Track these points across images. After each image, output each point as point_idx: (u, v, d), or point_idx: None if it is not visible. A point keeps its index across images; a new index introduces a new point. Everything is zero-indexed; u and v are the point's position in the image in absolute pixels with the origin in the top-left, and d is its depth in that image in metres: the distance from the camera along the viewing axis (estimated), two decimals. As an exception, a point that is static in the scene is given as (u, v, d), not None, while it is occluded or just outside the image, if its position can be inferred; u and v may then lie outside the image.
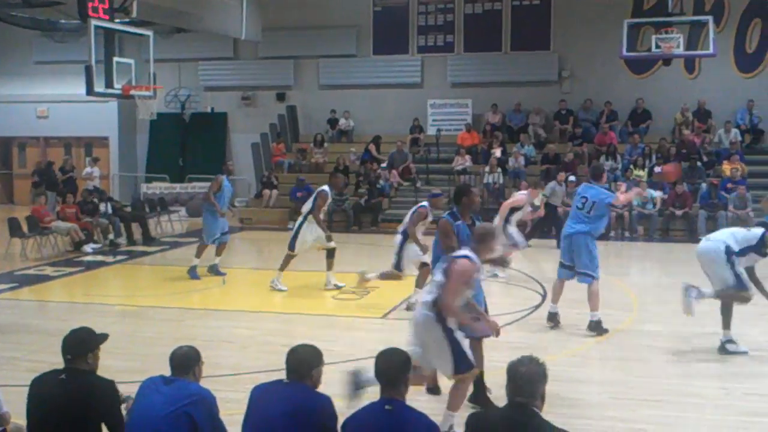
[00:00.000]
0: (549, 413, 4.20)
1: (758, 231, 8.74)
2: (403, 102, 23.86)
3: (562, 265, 9.97)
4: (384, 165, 22.18)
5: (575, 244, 9.75)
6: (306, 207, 12.36)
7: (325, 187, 12.30)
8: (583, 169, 18.69)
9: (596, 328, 9.57)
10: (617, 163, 20.41)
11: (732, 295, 8.66)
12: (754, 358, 8.58)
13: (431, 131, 23.49)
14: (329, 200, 12.53)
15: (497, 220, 12.70)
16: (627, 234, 18.51)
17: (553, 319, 9.89)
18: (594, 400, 7.32)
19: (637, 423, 6.67)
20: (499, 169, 20.78)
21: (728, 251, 8.55)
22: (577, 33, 22.57)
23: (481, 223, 7.13)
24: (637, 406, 7.06)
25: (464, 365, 6.06)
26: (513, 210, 13.05)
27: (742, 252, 8.61)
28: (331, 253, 12.28)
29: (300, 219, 12.37)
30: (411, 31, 24.30)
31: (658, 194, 19.07)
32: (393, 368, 4.38)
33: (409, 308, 10.73)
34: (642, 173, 19.76)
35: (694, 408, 7.08)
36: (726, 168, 19.56)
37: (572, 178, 17.67)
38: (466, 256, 6.05)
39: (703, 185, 19.40)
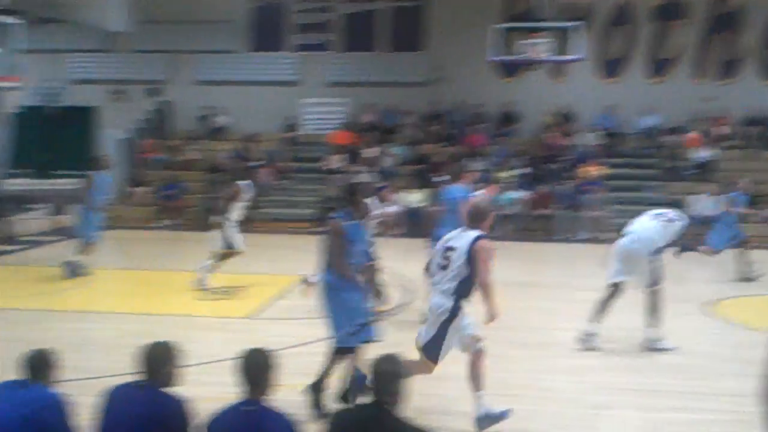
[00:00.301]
0: (409, 410, 4.32)
1: (679, 224, 9.20)
2: (279, 100, 23.79)
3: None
4: (258, 163, 22.06)
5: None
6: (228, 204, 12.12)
7: (244, 181, 12.17)
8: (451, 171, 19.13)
9: None
10: (485, 164, 20.97)
11: (657, 293, 9.16)
12: (604, 352, 9.01)
13: (307, 130, 23.54)
14: (245, 194, 12.18)
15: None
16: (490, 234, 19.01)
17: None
18: (452, 395, 7.50)
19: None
20: (373, 169, 21.02)
21: (657, 250, 9.05)
22: (451, 36, 23.08)
23: (473, 202, 7.26)
24: (494, 400, 7.28)
25: (432, 354, 6.58)
26: None
27: (666, 247, 9.17)
28: (226, 255, 12.11)
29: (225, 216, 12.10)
30: (288, 29, 24.26)
31: (520, 195, 19.77)
32: (254, 369, 4.36)
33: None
34: (509, 174, 20.39)
35: (548, 402, 7.39)
36: (587, 170, 20.44)
37: (443, 178, 18.02)
38: (481, 237, 6.57)
39: (564, 186, 20.23)
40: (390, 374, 4.24)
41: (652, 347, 9.13)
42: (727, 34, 22.93)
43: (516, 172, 20.71)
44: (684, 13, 22.98)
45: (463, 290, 6.52)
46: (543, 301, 11.93)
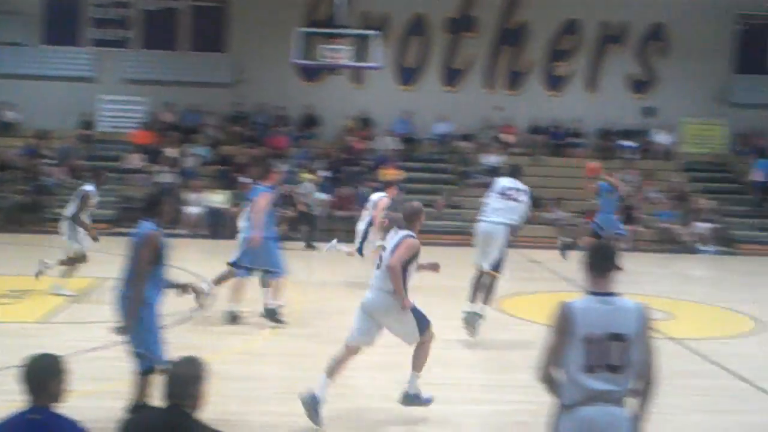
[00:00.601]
0: (213, 412, 4.38)
1: (526, 200, 9.81)
2: (74, 96, 22.91)
3: (241, 266, 10.24)
4: (51, 161, 21.16)
5: (253, 245, 10.09)
6: (70, 210, 11.60)
7: (90, 186, 11.67)
8: (254, 172, 19.20)
9: (273, 315, 10.06)
10: (288, 166, 21.20)
11: (496, 277, 9.82)
12: (404, 348, 9.41)
13: (104, 127, 22.81)
14: (92, 199, 11.69)
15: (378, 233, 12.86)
16: (292, 234, 19.27)
17: (234, 318, 10.20)
18: (260, 395, 7.61)
19: (300, 417, 6.91)
20: (174, 169, 20.72)
21: (513, 229, 9.71)
22: (253, 37, 23.14)
23: (407, 203, 7.46)
24: (291, 398, 7.45)
25: (423, 323, 7.01)
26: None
27: (517, 227, 9.83)
28: (82, 258, 11.70)
29: (67, 224, 11.58)
30: (84, 23, 23.42)
31: (323, 197, 20.17)
32: (41, 375, 4.11)
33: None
34: (311, 176, 20.72)
35: (347, 399, 7.61)
36: (384, 173, 21.14)
37: (246, 179, 18.06)
38: (411, 236, 6.96)
39: (363, 189, 20.82)
40: (189, 377, 4.21)
41: (471, 322, 9.68)
42: (514, 48, 24.46)
43: (318, 174, 21.09)
44: (474, 26, 24.28)
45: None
46: (349, 300, 12.16)
